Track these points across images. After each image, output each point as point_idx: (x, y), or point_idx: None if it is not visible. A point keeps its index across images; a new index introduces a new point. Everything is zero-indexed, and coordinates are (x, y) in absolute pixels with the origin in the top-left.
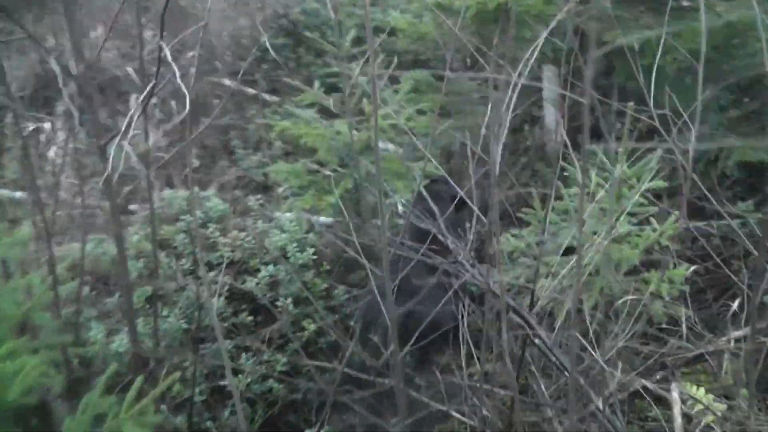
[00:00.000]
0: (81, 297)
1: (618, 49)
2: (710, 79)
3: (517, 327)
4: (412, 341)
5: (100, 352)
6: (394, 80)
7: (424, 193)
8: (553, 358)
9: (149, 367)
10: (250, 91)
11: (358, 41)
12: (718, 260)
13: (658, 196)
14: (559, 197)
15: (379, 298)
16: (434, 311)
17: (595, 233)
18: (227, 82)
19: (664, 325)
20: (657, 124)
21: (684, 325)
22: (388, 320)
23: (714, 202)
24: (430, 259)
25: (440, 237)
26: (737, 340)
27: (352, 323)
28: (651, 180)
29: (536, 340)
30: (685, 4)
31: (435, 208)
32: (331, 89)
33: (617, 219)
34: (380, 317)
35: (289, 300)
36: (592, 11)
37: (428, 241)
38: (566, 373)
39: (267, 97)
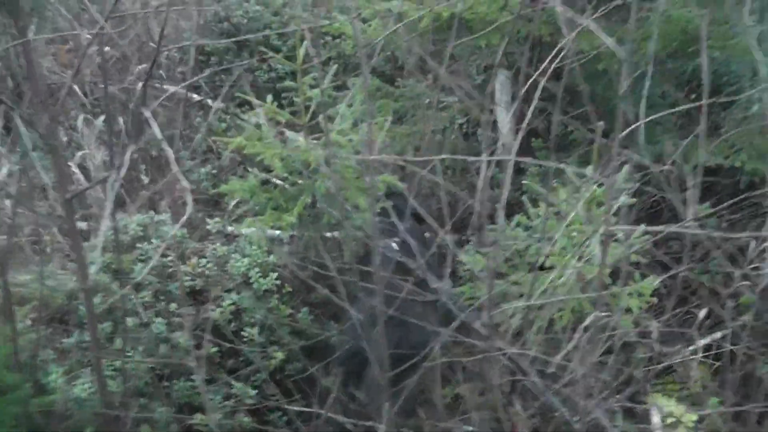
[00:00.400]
0: (39, 341)
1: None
2: (665, 81)
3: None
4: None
5: (61, 399)
6: (344, 86)
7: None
8: (542, 399)
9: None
10: (196, 97)
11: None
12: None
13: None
14: (524, 212)
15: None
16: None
17: (564, 248)
18: (172, 88)
19: (633, 338)
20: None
21: (654, 337)
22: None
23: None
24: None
25: (419, 272)
26: (705, 349)
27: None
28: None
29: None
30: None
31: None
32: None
33: (588, 239)
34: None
35: (255, 329)
36: (545, 17)
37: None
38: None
39: (212, 103)
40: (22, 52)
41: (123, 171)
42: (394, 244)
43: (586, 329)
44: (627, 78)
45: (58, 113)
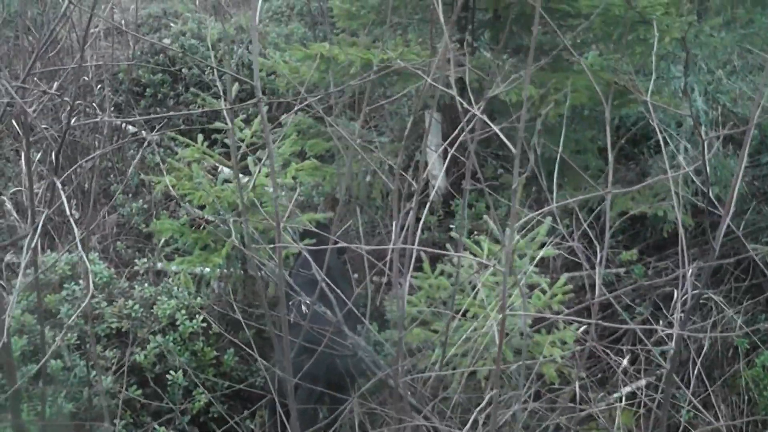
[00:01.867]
0: None
1: (499, 101)
2: (593, 128)
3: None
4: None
5: None
6: (275, 119)
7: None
8: None
9: None
10: (131, 128)
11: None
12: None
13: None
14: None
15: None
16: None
17: (487, 297)
18: (106, 119)
19: (556, 385)
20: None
21: (577, 384)
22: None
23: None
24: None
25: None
26: (629, 396)
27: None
28: (541, 248)
29: None
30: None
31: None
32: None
33: (510, 289)
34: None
35: (179, 372)
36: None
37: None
38: None
39: (146, 134)
40: None
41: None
42: (304, 306)
43: (509, 378)
44: (516, 177)
45: None
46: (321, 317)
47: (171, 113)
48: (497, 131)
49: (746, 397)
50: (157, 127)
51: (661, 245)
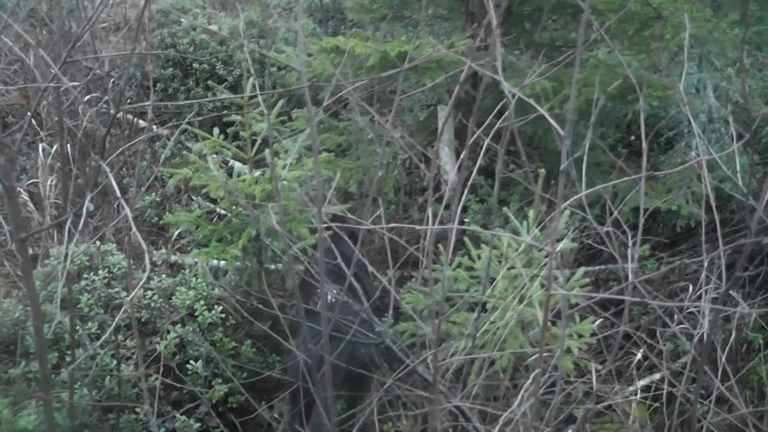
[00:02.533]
0: None
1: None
2: (604, 124)
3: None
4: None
5: (5, 430)
6: (286, 114)
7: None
8: None
9: None
10: (142, 123)
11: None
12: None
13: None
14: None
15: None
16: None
17: (505, 290)
18: (119, 114)
19: (572, 378)
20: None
21: (594, 377)
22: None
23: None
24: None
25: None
26: (643, 389)
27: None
28: (560, 240)
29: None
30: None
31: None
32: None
33: (529, 282)
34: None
35: (199, 362)
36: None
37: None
38: None
39: (156, 128)
40: None
41: (83, 217)
42: (330, 295)
43: (526, 369)
44: (568, 157)
45: (15, 155)
46: (346, 306)
47: (197, 100)
48: (545, 113)
49: (760, 393)
50: (169, 121)
51: (673, 241)
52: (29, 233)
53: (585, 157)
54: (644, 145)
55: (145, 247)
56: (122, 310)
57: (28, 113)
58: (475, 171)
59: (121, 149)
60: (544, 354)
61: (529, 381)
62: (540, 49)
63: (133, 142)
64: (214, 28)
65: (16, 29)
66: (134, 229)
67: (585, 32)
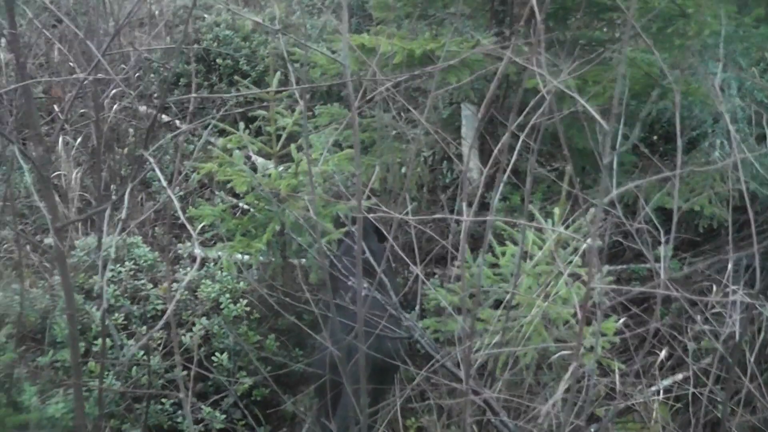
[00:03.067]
0: (19, 362)
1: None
2: (627, 123)
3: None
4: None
5: (35, 418)
6: (309, 110)
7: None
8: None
9: None
10: (165, 117)
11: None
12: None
13: None
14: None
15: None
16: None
17: (530, 287)
18: (142, 108)
19: (596, 377)
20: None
21: (617, 376)
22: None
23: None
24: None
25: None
26: (666, 390)
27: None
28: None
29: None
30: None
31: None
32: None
33: (554, 280)
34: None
35: (225, 355)
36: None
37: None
38: None
39: (179, 123)
40: (23, 92)
41: (125, 207)
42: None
43: (549, 367)
44: (609, 153)
45: (52, 146)
46: (373, 300)
47: (236, 93)
48: (584, 104)
49: None
50: (192, 117)
51: (695, 242)
52: (66, 223)
53: (615, 156)
54: (679, 142)
55: (194, 233)
56: (171, 302)
57: (55, 105)
58: (508, 169)
59: (160, 142)
60: (570, 352)
61: (568, 374)
62: (563, 47)
63: (176, 133)
64: (258, 18)
65: (37, 24)
66: (182, 217)
67: (613, 29)
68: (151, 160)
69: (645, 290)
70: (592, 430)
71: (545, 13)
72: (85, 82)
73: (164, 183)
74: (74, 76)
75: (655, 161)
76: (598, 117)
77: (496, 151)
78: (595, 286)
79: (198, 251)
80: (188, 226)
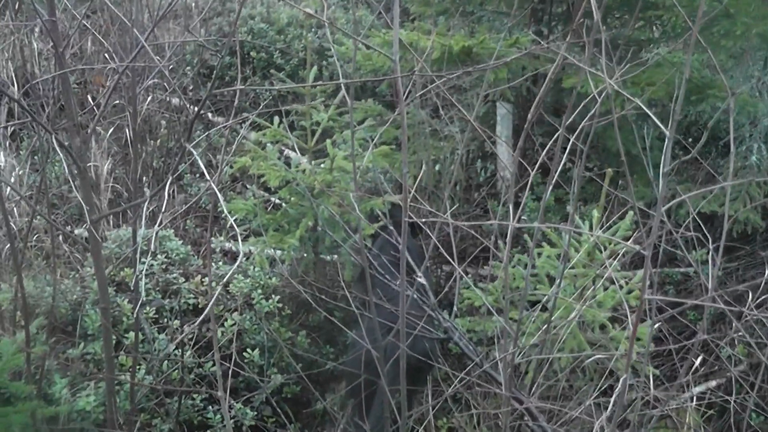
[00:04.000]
0: (50, 354)
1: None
2: (665, 124)
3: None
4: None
5: (66, 411)
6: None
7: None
8: None
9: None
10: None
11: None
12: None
13: None
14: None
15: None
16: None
17: (565, 290)
18: (175, 101)
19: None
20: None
21: (651, 382)
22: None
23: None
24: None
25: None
26: (699, 396)
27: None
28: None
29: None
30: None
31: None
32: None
33: (592, 283)
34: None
35: (256, 351)
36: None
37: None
38: None
39: (212, 117)
40: (60, 81)
41: (165, 200)
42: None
43: (583, 371)
44: (670, 159)
45: (89, 138)
46: (411, 300)
47: (278, 86)
48: (640, 104)
49: None
50: (225, 110)
51: (729, 247)
52: (102, 215)
53: (663, 159)
54: (732, 148)
55: (237, 228)
56: (212, 298)
57: (89, 96)
58: (556, 173)
59: (202, 135)
60: (602, 356)
61: (621, 383)
62: (600, 47)
63: (220, 126)
64: (310, 9)
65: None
66: (225, 211)
67: (652, 29)
68: (195, 152)
69: (697, 302)
70: None
71: (602, 12)
72: (124, 72)
73: (207, 176)
74: (117, 64)
75: (705, 165)
76: (659, 123)
77: (543, 155)
78: (648, 297)
79: (234, 245)
80: (230, 221)
